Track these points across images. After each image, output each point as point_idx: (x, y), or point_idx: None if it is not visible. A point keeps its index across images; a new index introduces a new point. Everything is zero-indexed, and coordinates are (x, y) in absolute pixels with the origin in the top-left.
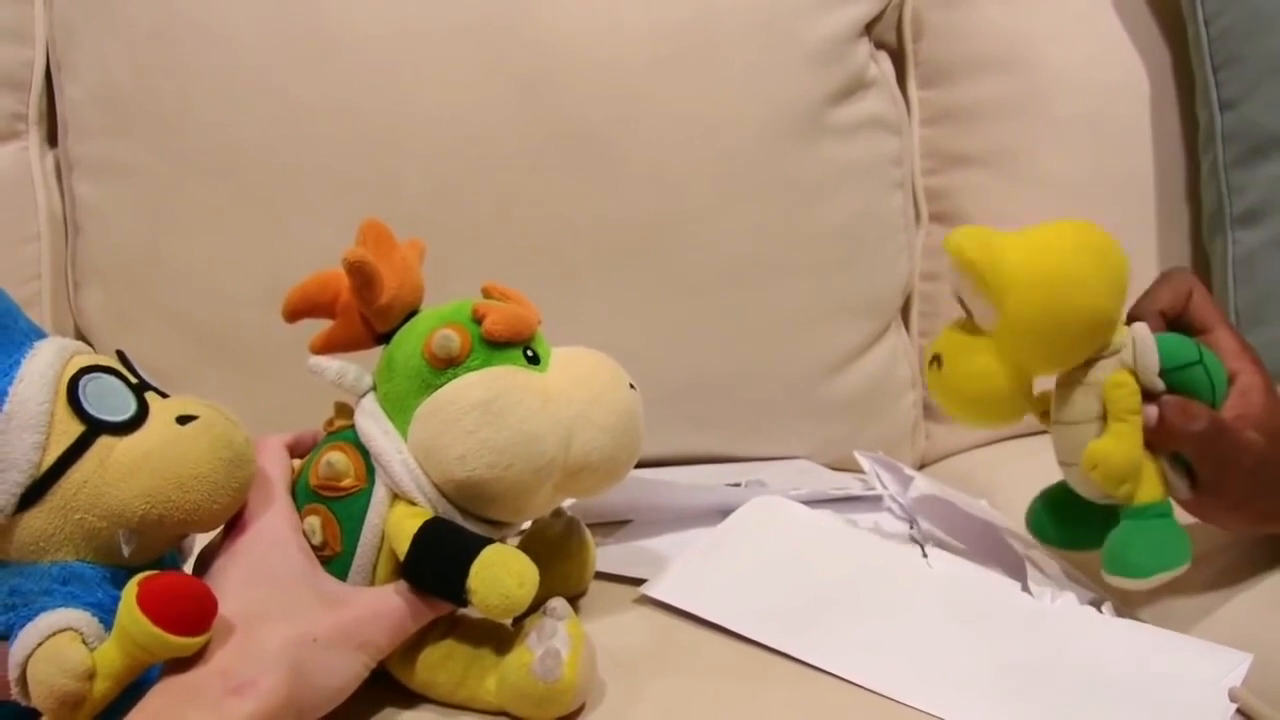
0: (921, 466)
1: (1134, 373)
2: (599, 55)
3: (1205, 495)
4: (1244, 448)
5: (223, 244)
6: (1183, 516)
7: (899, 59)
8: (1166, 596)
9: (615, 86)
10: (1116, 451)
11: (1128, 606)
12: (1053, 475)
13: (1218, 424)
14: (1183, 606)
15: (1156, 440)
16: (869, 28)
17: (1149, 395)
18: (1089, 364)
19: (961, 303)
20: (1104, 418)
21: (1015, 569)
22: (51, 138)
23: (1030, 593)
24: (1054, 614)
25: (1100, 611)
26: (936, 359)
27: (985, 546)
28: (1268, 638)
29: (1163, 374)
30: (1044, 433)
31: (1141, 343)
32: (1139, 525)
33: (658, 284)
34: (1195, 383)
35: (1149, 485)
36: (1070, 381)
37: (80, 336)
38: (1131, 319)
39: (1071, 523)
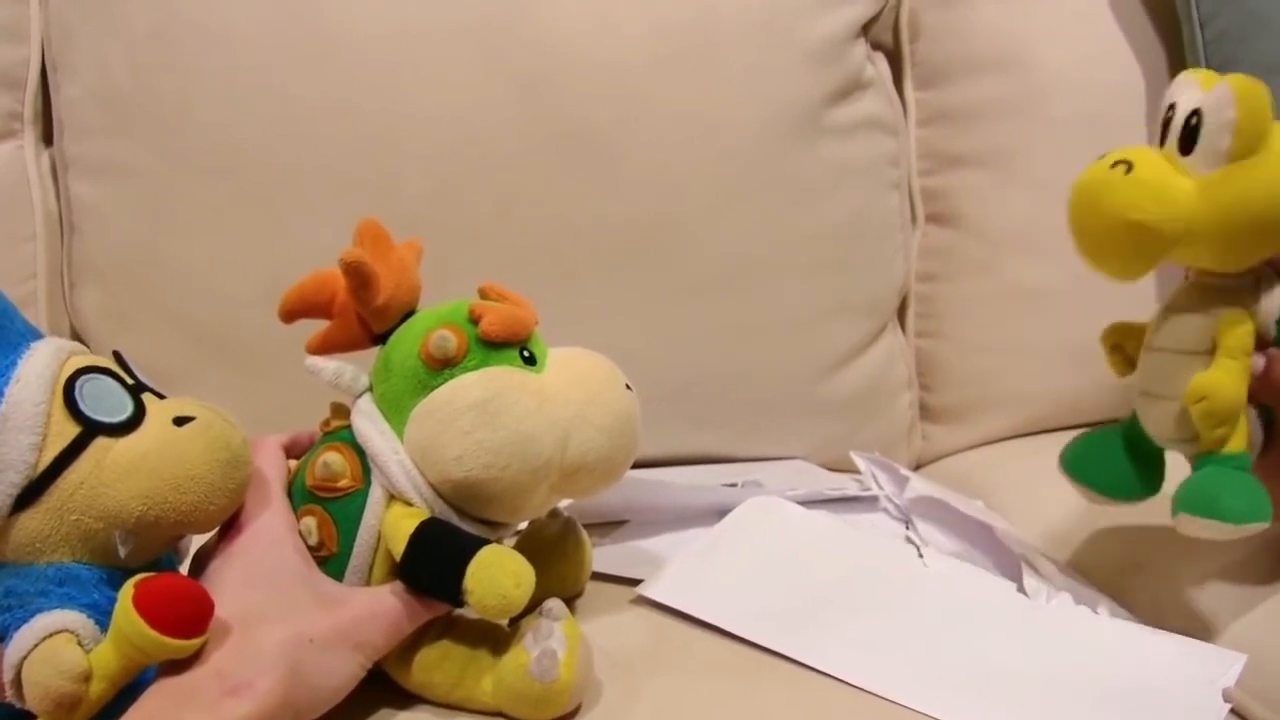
0: (917, 467)
1: (1253, 316)
2: (598, 55)
3: (1276, 460)
4: None
5: (220, 244)
6: None
7: (896, 60)
8: (1162, 599)
9: (614, 86)
10: (1227, 386)
11: (1127, 609)
12: (1049, 474)
13: None
14: (1178, 607)
15: (1257, 390)
16: (866, 29)
17: (1259, 344)
18: (1214, 292)
19: (1189, 132)
20: (1211, 353)
21: (1011, 569)
22: (47, 137)
23: (1026, 593)
24: (1049, 614)
25: (1095, 612)
26: (1126, 163)
27: (981, 547)
28: (1262, 639)
29: (1278, 324)
30: (1037, 434)
31: (1274, 286)
32: (1227, 473)
33: (655, 284)
34: None
35: (1239, 435)
36: (1186, 307)
37: (76, 336)
38: None
39: (1115, 466)
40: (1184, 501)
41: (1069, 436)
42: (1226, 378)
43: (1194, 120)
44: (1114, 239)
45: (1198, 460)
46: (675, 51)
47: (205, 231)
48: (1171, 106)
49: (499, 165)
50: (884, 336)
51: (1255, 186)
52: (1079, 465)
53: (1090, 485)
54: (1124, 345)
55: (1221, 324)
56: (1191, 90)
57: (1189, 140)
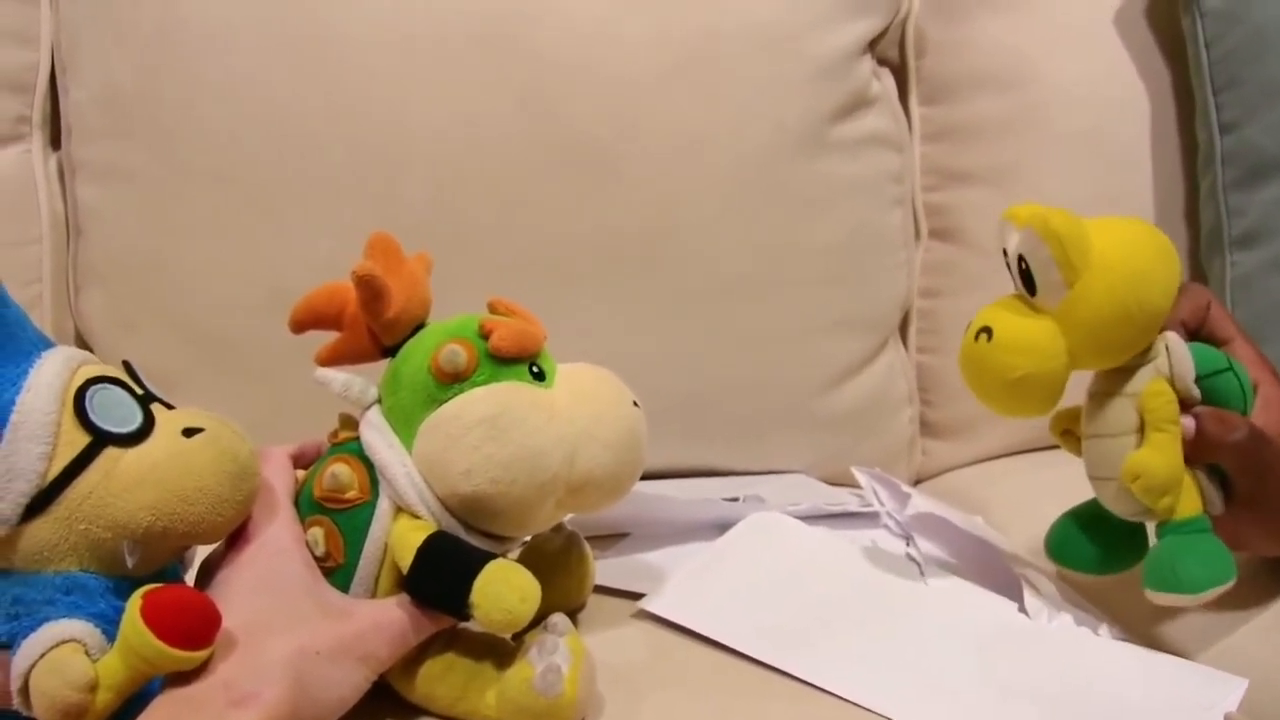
0: (917, 482)
1: (1170, 381)
2: (602, 68)
3: (1241, 509)
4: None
5: (224, 249)
6: None
7: (901, 75)
8: (1163, 620)
9: (617, 100)
10: (1158, 462)
11: (1128, 630)
12: (1049, 490)
13: (1257, 433)
14: (1179, 630)
15: (1194, 452)
16: (872, 44)
17: (1183, 407)
18: (1125, 372)
19: (1024, 275)
20: (1141, 430)
21: (1011, 588)
22: (55, 141)
23: (1027, 613)
24: (1050, 635)
25: (1096, 634)
26: (986, 330)
27: (982, 565)
28: (1264, 662)
29: (1196, 382)
30: (1038, 450)
31: (1176, 348)
32: (1183, 540)
33: (656, 296)
34: (1228, 390)
35: (1189, 498)
36: (1105, 392)
37: (80, 340)
38: None
39: (1096, 545)
40: (1147, 576)
41: (1069, 454)
42: (1156, 453)
43: (1024, 265)
44: (1007, 397)
45: (1159, 530)
46: (679, 65)
47: (208, 237)
48: (1004, 252)
49: (501, 176)
50: (886, 351)
51: (1101, 301)
52: (1063, 551)
53: (1077, 568)
54: (1072, 429)
55: (1144, 399)
56: (1011, 234)
57: (1029, 282)
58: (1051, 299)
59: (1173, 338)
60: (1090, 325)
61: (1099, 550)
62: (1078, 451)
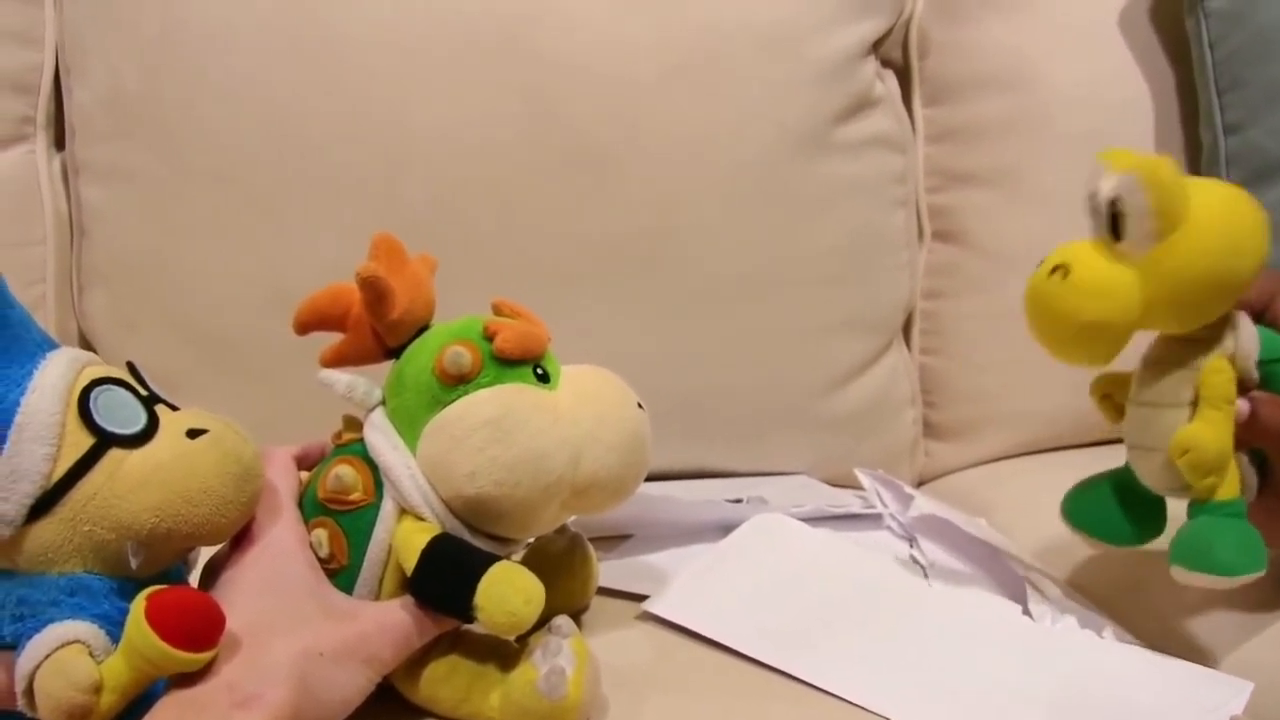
0: (920, 484)
1: (1232, 360)
2: (605, 70)
3: (1275, 499)
4: None
5: (227, 250)
6: None
7: (904, 77)
8: (1168, 623)
9: (619, 101)
10: (1210, 438)
11: (1132, 632)
12: (1052, 492)
13: None
14: (1184, 633)
15: (1245, 435)
16: (875, 46)
17: (1241, 388)
18: (1188, 343)
19: (1114, 220)
20: (1194, 404)
21: (1015, 590)
22: (59, 141)
23: (1031, 615)
24: (1054, 637)
25: (1101, 636)
26: (1062, 268)
27: (985, 567)
28: (1270, 666)
29: (1258, 365)
30: (1041, 451)
31: (1245, 329)
32: (1220, 522)
33: (660, 298)
34: None
35: (1231, 481)
36: (1163, 360)
37: (84, 341)
38: None
39: (1115, 513)
40: (1177, 554)
41: (1072, 455)
42: (1209, 429)
43: (1115, 209)
44: (1072, 341)
45: (1192, 508)
46: (681, 66)
47: (211, 237)
48: (1093, 195)
49: (503, 177)
50: (889, 353)
51: (1190, 260)
52: (1079, 513)
53: (1091, 532)
54: (1113, 394)
55: (1202, 374)
56: (1104, 176)
57: (1116, 228)
58: (1139, 248)
59: (1243, 316)
60: (1174, 282)
61: (1116, 519)
62: (1115, 418)
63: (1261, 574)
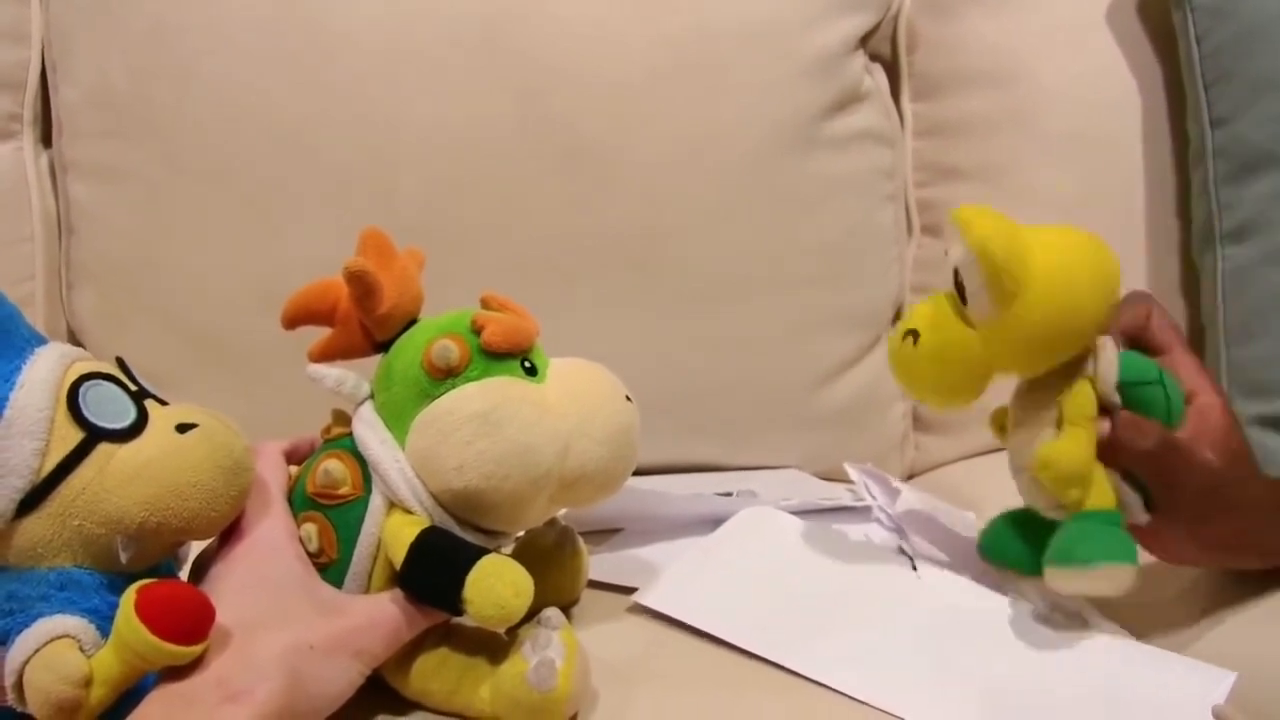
0: (910, 477)
1: (1093, 383)
2: (595, 67)
3: (1158, 517)
4: (1196, 466)
5: (216, 247)
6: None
7: (893, 71)
8: (1153, 614)
9: (610, 99)
10: (1066, 451)
11: (1118, 623)
12: None
13: (1168, 441)
14: (1167, 624)
15: (1107, 455)
16: (864, 41)
17: (1104, 411)
18: (1052, 373)
19: (959, 282)
20: (1059, 425)
21: (1003, 582)
22: (46, 138)
23: (1017, 607)
24: (1040, 629)
25: (1086, 627)
26: (913, 333)
27: (973, 560)
28: (1252, 655)
29: (1121, 389)
30: None
31: (1104, 354)
32: (1086, 525)
33: (650, 294)
34: (1152, 402)
35: (1099, 492)
36: (1032, 389)
37: (73, 337)
38: None
39: (1024, 544)
40: (1046, 556)
41: None
42: (1067, 443)
43: (958, 278)
44: (930, 397)
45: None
46: (672, 64)
47: (200, 235)
48: (946, 255)
49: (494, 175)
50: (878, 348)
51: (1028, 324)
52: (992, 547)
53: (1007, 564)
54: (1006, 425)
55: (1062, 396)
56: (955, 241)
57: (961, 294)
58: (979, 315)
59: (1104, 343)
60: (1014, 341)
61: (1020, 548)
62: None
63: (1130, 567)
